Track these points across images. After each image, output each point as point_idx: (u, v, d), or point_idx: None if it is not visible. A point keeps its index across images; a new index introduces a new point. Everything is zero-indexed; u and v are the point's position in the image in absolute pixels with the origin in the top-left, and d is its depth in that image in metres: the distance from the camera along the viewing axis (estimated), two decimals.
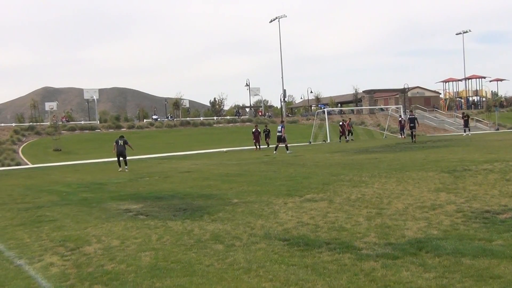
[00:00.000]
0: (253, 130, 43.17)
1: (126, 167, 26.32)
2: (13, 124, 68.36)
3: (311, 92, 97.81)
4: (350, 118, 55.79)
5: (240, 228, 9.23)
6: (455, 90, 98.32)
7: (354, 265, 6.42)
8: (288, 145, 34.18)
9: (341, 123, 51.08)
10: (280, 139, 33.87)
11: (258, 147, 41.80)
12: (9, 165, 45.38)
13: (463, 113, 56.63)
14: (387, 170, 17.18)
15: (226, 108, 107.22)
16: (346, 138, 48.93)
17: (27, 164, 45.91)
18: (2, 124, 72.95)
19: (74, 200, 15.01)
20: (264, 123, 71.61)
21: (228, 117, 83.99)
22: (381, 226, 8.58)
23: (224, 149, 43.34)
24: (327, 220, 9.44)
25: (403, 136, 48.73)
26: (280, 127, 34.52)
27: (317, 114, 62.68)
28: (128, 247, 8.26)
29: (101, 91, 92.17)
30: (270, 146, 42.96)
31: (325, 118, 55.91)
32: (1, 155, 49.26)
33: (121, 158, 26.70)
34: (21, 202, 15.39)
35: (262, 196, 13.06)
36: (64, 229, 10.27)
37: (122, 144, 26.73)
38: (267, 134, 43.52)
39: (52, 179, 24.24)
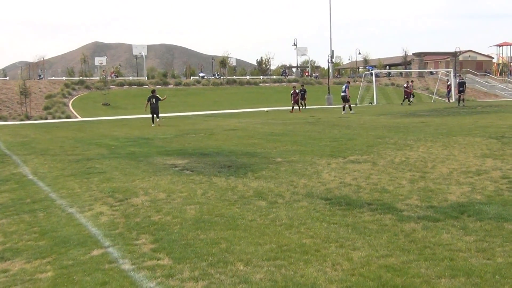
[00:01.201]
0: (292, 91, 41.51)
1: (158, 120, 28.18)
2: (64, 78, 69.85)
3: (359, 53, 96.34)
4: (412, 81, 53.07)
5: (283, 186, 9.38)
6: (509, 55, 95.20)
7: (395, 226, 6.50)
8: (351, 105, 34.83)
9: (405, 85, 48.25)
10: (345, 99, 34.44)
11: (301, 106, 41.10)
12: (59, 118, 46.62)
13: None
14: (434, 134, 16.98)
15: (272, 67, 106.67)
16: (410, 100, 46.46)
17: (77, 117, 47.08)
18: (53, 78, 74.69)
19: (122, 153, 15.41)
20: (310, 83, 71.17)
21: (274, 76, 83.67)
22: (424, 189, 8.58)
23: (265, 109, 43.23)
24: (369, 181, 9.48)
25: (450, 100, 47.79)
26: (344, 87, 35.11)
27: (364, 76, 61.89)
28: (174, 200, 8.52)
29: (149, 47, 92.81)
30: (306, 107, 42.64)
31: (373, 80, 55.17)
32: (52, 108, 50.57)
33: (154, 115, 28.34)
34: (72, 154, 15.89)
35: (305, 156, 13.15)
36: (112, 181, 10.61)
37: (155, 101, 28.35)
38: (303, 95, 42.80)
39: (101, 132, 24.84)
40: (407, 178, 9.66)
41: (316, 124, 24.19)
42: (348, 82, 36.70)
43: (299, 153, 13.68)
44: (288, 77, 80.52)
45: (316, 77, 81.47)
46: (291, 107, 40.25)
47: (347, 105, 34.47)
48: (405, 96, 46.77)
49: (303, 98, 42.81)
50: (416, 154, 12.57)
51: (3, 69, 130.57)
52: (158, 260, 5.61)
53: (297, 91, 41.25)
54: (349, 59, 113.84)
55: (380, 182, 9.34)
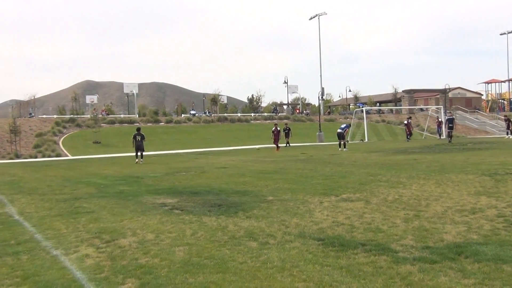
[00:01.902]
0: (273, 128, 40.59)
1: (142, 159, 29.12)
2: (55, 116, 69.71)
3: (350, 90, 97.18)
4: (410, 117, 52.29)
5: (275, 226, 9.16)
6: (498, 92, 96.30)
7: (390, 268, 6.28)
8: (344, 143, 34.92)
9: (405, 122, 47.76)
10: (341, 136, 34.73)
11: (278, 146, 39.06)
12: (49, 156, 46.29)
13: (505, 116, 55.24)
14: (426, 171, 16.86)
15: (263, 105, 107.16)
16: (408, 138, 45.63)
17: (67, 156, 46.75)
18: (44, 116, 74.50)
19: (111, 192, 15.15)
20: (301, 120, 71.40)
21: (265, 114, 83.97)
22: (419, 228, 8.39)
23: (257, 146, 43.10)
24: (363, 220, 9.29)
25: (441, 137, 47.98)
26: (345, 126, 35.74)
27: (355, 113, 62.19)
28: (163, 241, 8.27)
29: (140, 85, 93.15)
30: (290, 144, 42.13)
31: (363, 117, 55.39)
32: (43, 146, 50.28)
33: (139, 153, 29.13)
34: (60, 193, 15.62)
35: (297, 194, 12.96)
36: (100, 221, 10.35)
37: (140, 139, 29.25)
38: (287, 133, 42.17)
39: (91, 171, 24.57)
40: (401, 217, 9.48)
41: (308, 162, 24.05)
42: (349, 126, 37.27)
43: (291, 191, 13.49)
44: (279, 114, 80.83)
45: (307, 114, 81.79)
46: (275, 146, 39.38)
47: (342, 142, 34.54)
48: (408, 132, 46.50)
49: (287, 136, 42.21)
50: (409, 192, 12.41)
51: None
52: None
53: (278, 128, 40.37)
54: (339, 96, 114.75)
55: (373, 221, 9.14)
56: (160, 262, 7.04)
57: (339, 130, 35.15)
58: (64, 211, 11.92)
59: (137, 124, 63.85)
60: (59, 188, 16.91)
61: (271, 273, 6.29)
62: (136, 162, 28.36)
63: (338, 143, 35.34)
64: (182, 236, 8.59)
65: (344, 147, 34.14)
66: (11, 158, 45.59)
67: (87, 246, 8.22)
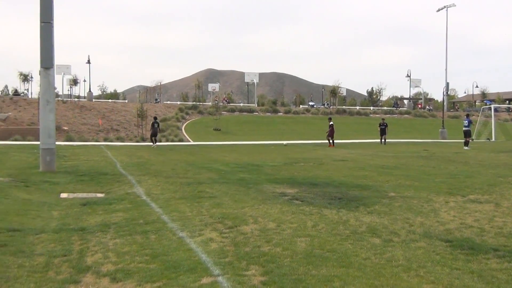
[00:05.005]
0: (330, 123, 37.78)
1: (156, 144, 35.67)
2: (178, 103, 72.54)
3: (477, 86, 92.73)
4: None
5: (398, 223, 8.89)
6: None
7: None
8: (468, 141, 33.90)
9: None
10: (468, 134, 33.72)
11: (331, 142, 36.64)
12: (172, 141, 48.20)
13: None
14: None
15: (383, 98, 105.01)
16: None
17: (189, 141, 48.44)
18: (169, 102, 77.73)
19: (232, 179, 15.44)
20: (423, 116, 69.12)
21: (385, 107, 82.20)
22: None
23: (284, 142, 41.89)
24: (493, 224, 8.79)
25: None
26: (466, 121, 34.17)
27: (482, 110, 59.23)
28: (284, 231, 8.28)
29: (260, 75, 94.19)
30: (386, 141, 39.89)
31: (491, 115, 52.62)
32: (166, 131, 52.42)
33: (154, 138, 35.78)
34: (183, 176, 16.15)
35: (420, 192, 12.53)
36: (222, 207, 10.57)
37: (157, 127, 35.43)
38: (384, 129, 39.32)
39: (212, 157, 25.23)
40: None
41: (430, 159, 23.21)
42: (468, 116, 35.67)
43: (414, 189, 13.06)
44: (400, 108, 78.80)
45: (429, 110, 79.12)
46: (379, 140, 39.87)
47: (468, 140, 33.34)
48: None
49: (385, 133, 39.42)
50: None
51: (123, 92, 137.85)
52: None
53: (331, 123, 37.77)
54: (465, 92, 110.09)
55: (505, 226, 8.62)
56: (282, 251, 7.05)
57: (465, 128, 33.73)
58: (188, 195, 12.30)
59: (256, 113, 64.92)
60: (182, 172, 17.50)
61: (397, 272, 6.10)
62: (152, 147, 33.76)
63: (464, 141, 33.90)
64: (303, 227, 8.56)
65: (467, 146, 32.73)
66: (137, 141, 47.96)
67: (211, 230, 8.40)
